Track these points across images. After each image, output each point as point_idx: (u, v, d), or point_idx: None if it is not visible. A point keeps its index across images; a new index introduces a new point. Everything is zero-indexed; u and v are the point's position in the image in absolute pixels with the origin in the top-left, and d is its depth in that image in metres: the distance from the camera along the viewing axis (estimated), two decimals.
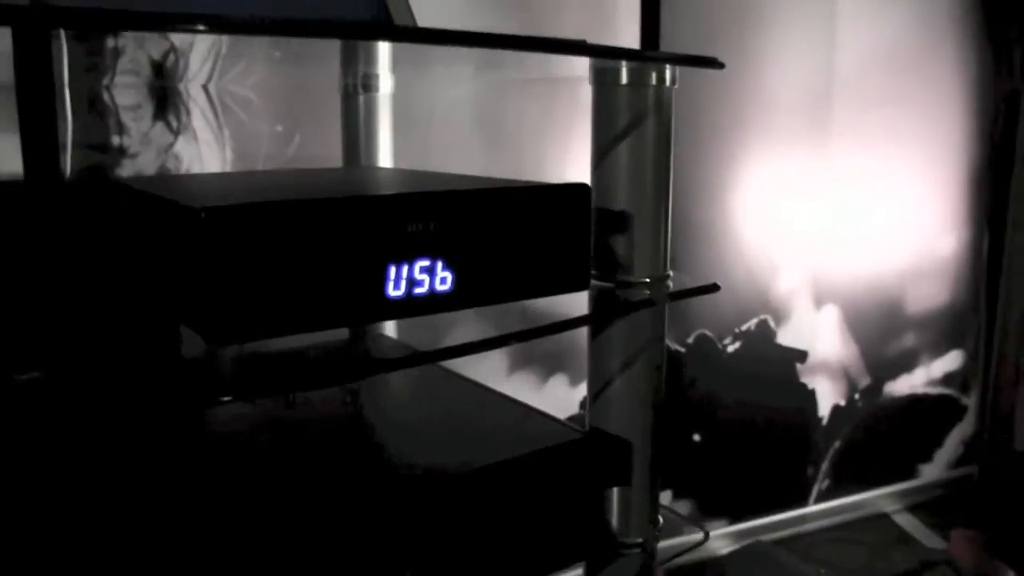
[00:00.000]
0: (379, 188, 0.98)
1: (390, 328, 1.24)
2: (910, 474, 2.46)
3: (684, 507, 2.11)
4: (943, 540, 2.19)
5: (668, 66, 0.97)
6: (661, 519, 1.06)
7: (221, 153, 1.44)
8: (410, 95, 1.42)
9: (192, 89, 1.41)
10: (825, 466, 2.31)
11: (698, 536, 1.10)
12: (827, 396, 2.27)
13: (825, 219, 2.15)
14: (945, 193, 2.34)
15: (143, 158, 1.37)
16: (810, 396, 2.25)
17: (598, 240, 0.98)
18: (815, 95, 2.09)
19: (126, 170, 1.36)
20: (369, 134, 1.32)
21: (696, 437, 2.11)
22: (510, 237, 0.82)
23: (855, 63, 2.12)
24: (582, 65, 0.99)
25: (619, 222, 0.97)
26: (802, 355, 2.22)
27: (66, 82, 1.15)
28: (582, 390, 1.07)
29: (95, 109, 1.32)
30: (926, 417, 2.46)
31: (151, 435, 0.94)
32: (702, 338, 2.07)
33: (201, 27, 0.71)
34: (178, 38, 1.35)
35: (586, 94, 0.98)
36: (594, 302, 0.98)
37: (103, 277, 0.87)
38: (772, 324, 2.15)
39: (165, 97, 1.39)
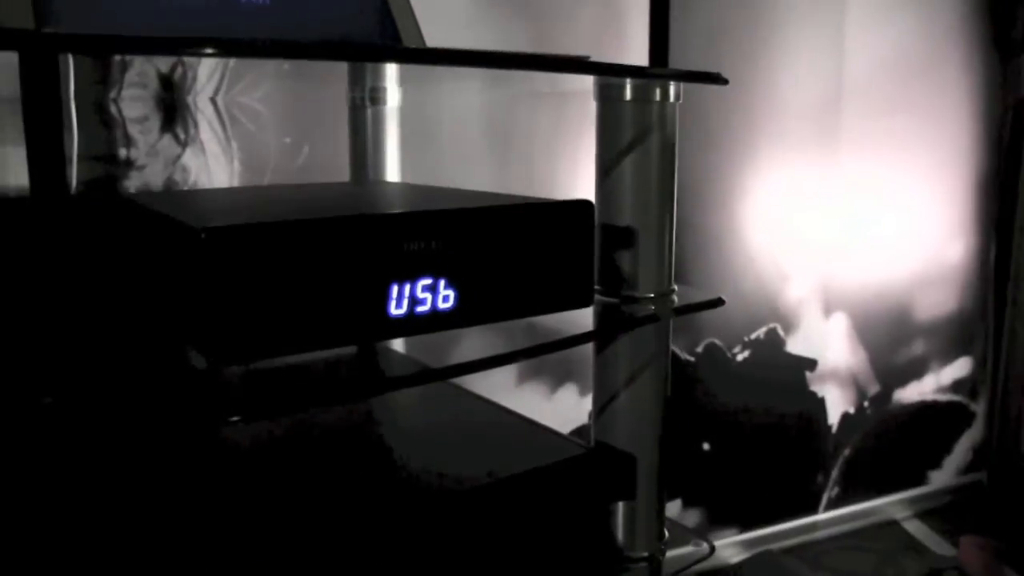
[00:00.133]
0: (381, 206, 0.98)
1: (397, 342, 1.24)
2: (920, 481, 2.45)
3: (693, 516, 2.10)
4: (953, 547, 2.18)
5: (672, 82, 0.97)
6: (667, 532, 1.07)
7: (229, 166, 1.44)
8: (419, 108, 1.43)
9: (200, 101, 1.41)
10: (835, 474, 2.30)
11: (704, 549, 1.10)
12: (836, 404, 2.27)
13: (834, 227, 2.15)
14: (953, 200, 2.33)
15: (150, 170, 1.37)
16: (819, 404, 2.24)
17: (602, 255, 0.98)
18: (824, 103, 2.09)
19: (133, 182, 1.36)
20: (377, 147, 1.33)
21: (705, 446, 2.11)
22: (513, 254, 0.82)
23: (864, 71, 2.11)
24: (589, 79, 0.99)
25: (623, 238, 0.97)
26: (811, 363, 2.21)
27: (72, 95, 1.15)
28: (591, 400, 1.07)
29: (102, 122, 1.32)
30: (935, 424, 2.45)
31: (161, 456, 0.95)
32: (711, 347, 2.07)
33: (210, 51, 0.71)
34: None
35: None
36: (599, 318, 0.98)
37: (110, 295, 0.87)
38: (781, 332, 2.15)
39: (173, 109, 1.39)
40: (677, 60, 1.86)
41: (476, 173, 1.67)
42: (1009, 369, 2.38)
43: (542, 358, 1.76)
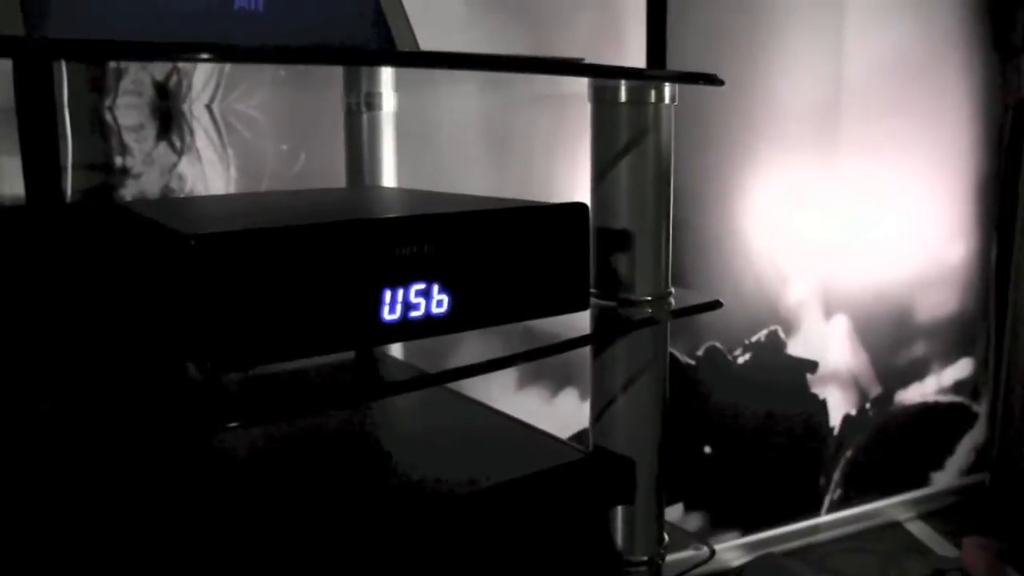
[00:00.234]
0: (373, 211, 0.98)
1: (396, 348, 1.24)
2: (922, 482, 2.45)
3: (695, 520, 2.10)
4: (956, 548, 2.18)
5: (667, 84, 0.96)
6: (667, 536, 1.06)
7: (226, 173, 1.43)
8: (414, 113, 1.42)
9: (196, 109, 1.41)
10: (837, 476, 2.30)
11: (704, 553, 1.09)
12: (838, 406, 2.26)
13: (834, 228, 2.14)
14: (953, 201, 2.33)
15: (146, 179, 1.37)
16: (821, 406, 2.24)
17: (599, 259, 0.98)
18: (824, 105, 2.09)
19: (129, 191, 1.36)
20: (373, 153, 1.32)
21: (707, 449, 2.10)
22: (507, 258, 0.82)
23: (863, 73, 2.11)
24: (585, 82, 0.99)
25: (620, 240, 0.97)
26: (812, 365, 2.21)
27: (66, 103, 1.15)
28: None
29: (97, 130, 1.32)
30: (937, 425, 2.45)
31: (159, 461, 0.94)
32: (712, 350, 2.07)
33: (205, 56, 0.70)
34: None
35: None
36: (596, 321, 0.98)
37: (105, 303, 0.87)
38: (782, 335, 2.15)
39: (168, 117, 1.39)
40: (675, 65, 1.86)
41: (473, 178, 1.67)
42: (1011, 369, 2.38)
43: (542, 363, 1.77)
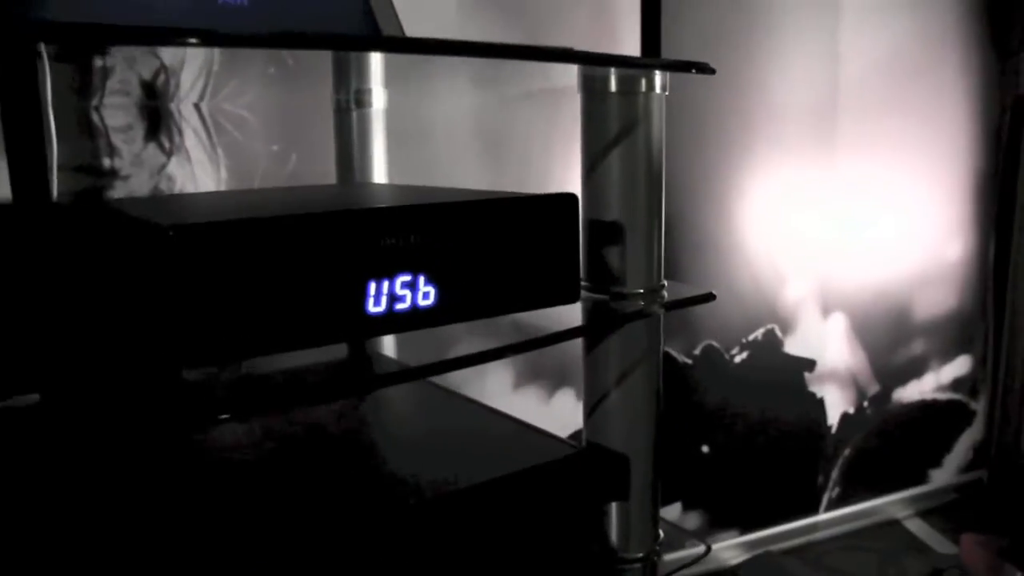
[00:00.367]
0: (359, 203, 0.97)
1: (390, 348, 1.22)
2: (920, 480, 2.44)
3: (693, 519, 2.09)
4: (954, 545, 2.17)
5: (659, 73, 0.95)
6: (662, 533, 1.05)
7: (216, 173, 1.42)
8: (405, 110, 1.41)
9: (184, 108, 1.40)
10: (835, 474, 2.29)
11: (700, 549, 1.08)
12: (836, 404, 2.26)
13: (831, 227, 2.14)
14: (951, 199, 2.32)
15: (135, 180, 1.36)
16: (819, 404, 2.23)
17: (590, 251, 0.97)
18: (821, 104, 2.08)
19: (118, 192, 1.34)
20: (363, 150, 1.31)
21: (705, 448, 2.09)
22: (495, 249, 0.80)
23: (860, 72, 2.11)
24: (576, 76, 0.98)
25: (611, 232, 0.96)
26: (810, 364, 2.20)
27: (50, 103, 1.13)
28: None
29: (84, 131, 1.31)
30: (935, 423, 2.44)
31: (150, 455, 0.93)
32: (709, 349, 2.06)
33: (193, 40, 0.69)
34: (168, 56, 1.34)
35: None
36: (587, 314, 0.96)
37: (94, 297, 0.86)
38: (779, 333, 2.14)
39: (157, 117, 1.38)
40: None
41: (464, 174, 1.65)
42: (1009, 367, 2.38)
43: (538, 363, 1.76)
